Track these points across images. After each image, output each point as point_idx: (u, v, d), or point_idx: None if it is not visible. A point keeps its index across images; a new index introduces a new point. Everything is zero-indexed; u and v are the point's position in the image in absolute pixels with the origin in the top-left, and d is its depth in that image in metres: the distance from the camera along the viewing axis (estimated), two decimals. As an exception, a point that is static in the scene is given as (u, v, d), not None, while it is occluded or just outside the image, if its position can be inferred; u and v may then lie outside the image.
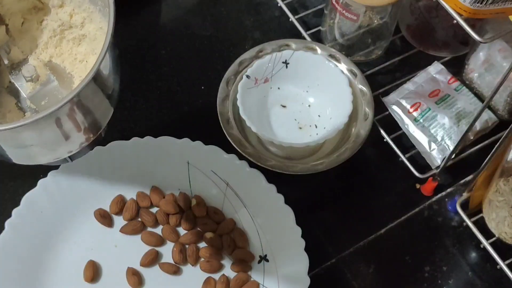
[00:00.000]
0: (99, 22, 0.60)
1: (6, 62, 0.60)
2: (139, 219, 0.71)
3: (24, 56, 0.61)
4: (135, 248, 0.70)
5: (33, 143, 0.56)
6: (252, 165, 0.72)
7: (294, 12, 0.86)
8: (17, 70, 0.60)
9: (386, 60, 0.84)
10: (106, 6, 0.54)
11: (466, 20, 0.59)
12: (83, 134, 0.58)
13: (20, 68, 0.60)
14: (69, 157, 0.63)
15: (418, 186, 0.76)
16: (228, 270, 0.69)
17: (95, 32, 0.61)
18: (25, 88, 0.60)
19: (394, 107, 0.78)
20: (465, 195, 0.73)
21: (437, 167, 0.75)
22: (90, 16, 0.61)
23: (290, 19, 0.86)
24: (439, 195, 0.76)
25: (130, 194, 0.72)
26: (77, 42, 0.61)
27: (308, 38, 0.84)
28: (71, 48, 0.61)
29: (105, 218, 0.71)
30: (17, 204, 0.70)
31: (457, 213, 0.73)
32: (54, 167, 0.71)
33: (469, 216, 0.72)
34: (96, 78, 0.52)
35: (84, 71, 0.60)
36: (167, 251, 0.70)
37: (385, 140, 0.78)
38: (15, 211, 0.69)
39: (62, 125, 0.54)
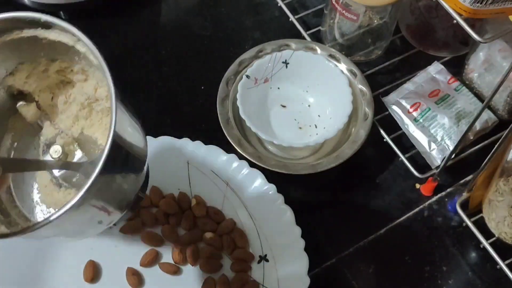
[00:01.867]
0: None
1: (42, 139, 0.59)
2: (139, 219, 0.71)
3: (56, 131, 0.59)
4: (135, 248, 0.70)
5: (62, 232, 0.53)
6: (252, 165, 0.72)
7: (294, 12, 0.87)
8: (48, 148, 0.58)
9: (386, 60, 0.84)
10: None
11: (466, 20, 0.59)
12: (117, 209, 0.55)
13: (50, 146, 0.58)
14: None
15: (418, 186, 0.76)
16: (228, 270, 0.69)
17: None
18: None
19: (394, 107, 0.78)
20: (465, 195, 0.73)
21: (437, 167, 0.75)
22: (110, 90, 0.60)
23: (290, 19, 0.86)
24: (439, 195, 0.76)
25: (130, 194, 0.72)
26: (105, 113, 0.60)
27: (308, 38, 0.84)
28: (101, 119, 0.59)
29: (105, 218, 0.71)
30: (17, 204, 0.70)
31: (457, 213, 0.73)
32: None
33: (469, 216, 0.72)
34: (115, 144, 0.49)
35: None
36: (167, 251, 0.70)
37: (385, 140, 0.78)
38: (15, 211, 0.69)
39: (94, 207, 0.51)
